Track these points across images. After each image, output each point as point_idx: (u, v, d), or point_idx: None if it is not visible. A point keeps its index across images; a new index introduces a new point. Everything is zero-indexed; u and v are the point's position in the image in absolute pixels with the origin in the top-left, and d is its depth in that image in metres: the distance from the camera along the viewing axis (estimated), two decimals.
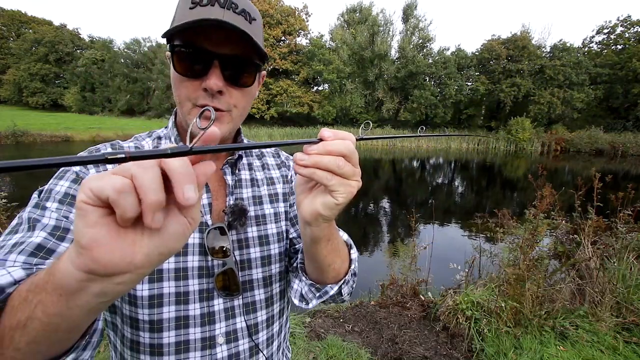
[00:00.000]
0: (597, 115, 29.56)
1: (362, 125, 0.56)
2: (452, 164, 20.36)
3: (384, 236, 7.00)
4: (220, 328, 0.65)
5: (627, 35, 29.86)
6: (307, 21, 38.32)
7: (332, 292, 0.66)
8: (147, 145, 0.71)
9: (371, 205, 9.97)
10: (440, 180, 15.14)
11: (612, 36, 31.06)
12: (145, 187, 0.28)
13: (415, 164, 20.75)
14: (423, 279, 3.53)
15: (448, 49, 32.08)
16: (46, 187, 0.59)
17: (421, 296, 3.39)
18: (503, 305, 2.66)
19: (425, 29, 33.16)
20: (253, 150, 0.81)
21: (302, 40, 37.16)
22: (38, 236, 0.51)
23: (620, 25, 30.38)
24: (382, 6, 63.64)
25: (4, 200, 3.67)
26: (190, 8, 0.57)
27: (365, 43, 32.05)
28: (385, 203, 10.30)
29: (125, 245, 0.30)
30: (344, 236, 0.71)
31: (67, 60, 42.76)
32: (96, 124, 31.21)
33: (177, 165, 0.30)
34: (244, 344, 0.68)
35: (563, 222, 3.27)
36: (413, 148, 26.60)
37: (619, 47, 30.01)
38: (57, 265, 0.33)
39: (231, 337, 0.67)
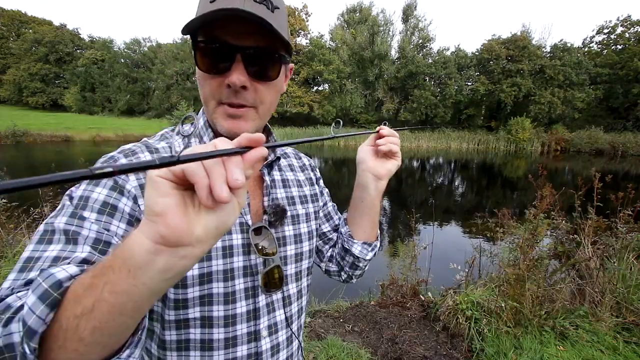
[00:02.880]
0: (597, 115, 29.55)
1: (333, 123, 0.70)
2: (452, 164, 20.36)
3: (384, 236, 7.00)
4: (264, 322, 0.69)
5: (627, 35, 29.85)
6: (307, 21, 38.33)
7: (377, 247, 0.87)
8: (178, 144, 0.69)
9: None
10: (440, 180, 15.14)
11: (612, 36, 31.06)
12: (212, 164, 0.33)
13: (415, 164, 20.75)
14: (423, 279, 3.53)
15: (448, 49, 32.11)
16: (79, 192, 0.55)
17: (421, 296, 3.39)
18: (503, 305, 2.66)
19: (425, 29, 33.18)
20: (277, 149, 0.80)
21: (302, 40, 37.18)
22: (83, 251, 0.49)
23: (621, 25, 30.38)
24: (382, 6, 63.63)
25: (4, 200, 3.67)
26: (211, 1, 0.55)
27: (365, 43, 32.05)
28: (385, 203, 10.30)
29: (189, 217, 0.33)
30: None
31: (67, 60, 42.76)
32: (96, 124, 31.20)
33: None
34: (282, 335, 0.73)
35: (563, 222, 3.27)
36: (413, 148, 26.59)
37: (619, 47, 30.01)
38: (126, 241, 0.35)
39: (273, 329, 0.70)
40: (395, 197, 11.01)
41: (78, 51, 44.29)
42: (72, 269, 0.41)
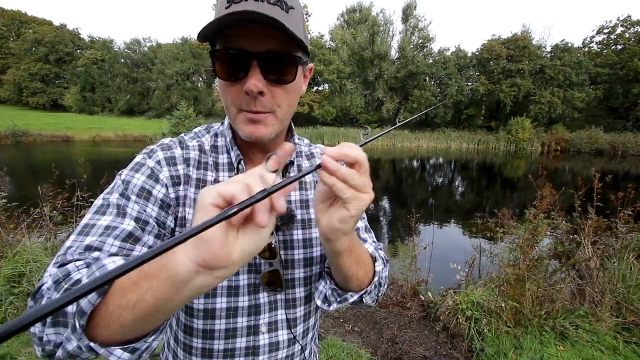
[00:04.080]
0: (597, 115, 29.56)
1: (361, 132, 0.57)
2: (452, 164, 20.36)
3: (384, 236, 6.99)
4: (264, 318, 0.71)
5: (627, 35, 29.85)
6: (307, 21, 38.32)
7: (351, 300, 0.70)
8: (207, 142, 0.73)
9: (371, 205, 9.96)
10: (440, 180, 15.14)
11: (612, 36, 31.06)
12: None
13: (415, 164, 20.75)
14: (423, 279, 3.53)
15: (448, 49, 32.11)
16: (123, 177, 0.63)
17: (421, 296, 3.39)
18: (503, 305, 2.66)
19: (425, 29, 33.19)
20: (303, 151, 0.82)
21: None
22: (129, 225, 0.57)
23: (621, 25, 30.38)
24: (382, 6, 63.62)
25: (4, 200, 3.67)
26: (226, 7, 0.55)
27: (365, 43, 32.06)
28: (385, 203, 10.30)
29: (229, 243, 0.37)
30: (370, 248, 0.74)
31: (67, 60, 42.74)
32: (96, 124, 31.20)
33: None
34: (283, 335, 0.73)
35: (563, 222, 3.27)
36: (413, 148, 26.59)
37: (619, 47, 30.00)
38: (172, 257, 0.38)
39: (272, 327, 0.72)
40: (395, 197, 11.01)
41: (78, 51, 44.26)
42: (120, 262, 0.46)
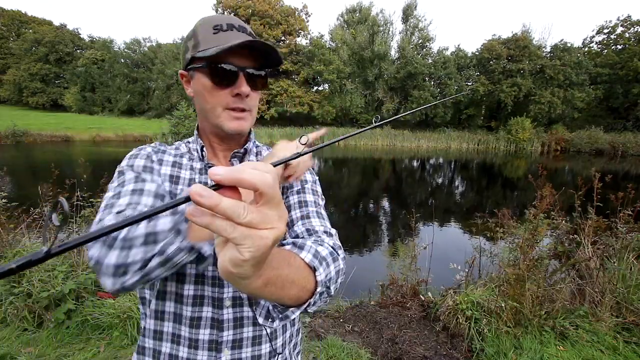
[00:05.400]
0: (597, 115, 29.56)
1: (301, 137, 0.57)
2: (452, 164, 20.36)
3: (384, 236, 7.00)
4: (228, 293, 0.76)
5: (627, 35, 29.85)
6: (307, 21, 38.32)
7: (293, 316, 0.62)
8: (183, 148, 0.90)
9: (371, 205, 9.97)
10: (440, 180, 15.14)
11: (612, 36, 31.06)
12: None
13: (415, 164, 20.75)
14: (423, 279, 3.52)
15: (447, 49, 32.10)
16: (124, 163, 0.79)
17: (421, 296, 3.39)
18: (503, 305, 2.66)
19: (425, 29, 33.18)
20: (254, 149, 0.94)
21: (302, 41, 37.20)
22: (151, 186, 0.73)
23: (621, 25, 30.38)
24: (381, 6, 63.61)
25: (4, 200, 3.67)
26: (214, 33, 0.74)
27: (365, 43, 32.05)
28: (385, 203, 10.30)
29: None
30: (307, 257, 0.61)
31: (67, 60, 42.73)
32: (96, 124, 31.19)
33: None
34: (248, 312, 0.77)
35: (563, 222, 3.27)
36: (413, 148, 26.59)
37: (619, 47, 30.00)
38: None
39: (237, 302, 0.76)
40: (395, 197, 11.01)
41: (78, 51, 44.25)
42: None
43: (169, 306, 0.75)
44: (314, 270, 0.61)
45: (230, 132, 0.79)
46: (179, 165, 0.84)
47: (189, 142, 0.90)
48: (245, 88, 0.75)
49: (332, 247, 0.68)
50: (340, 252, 0.70)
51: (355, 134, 0.70)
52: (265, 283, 0.45)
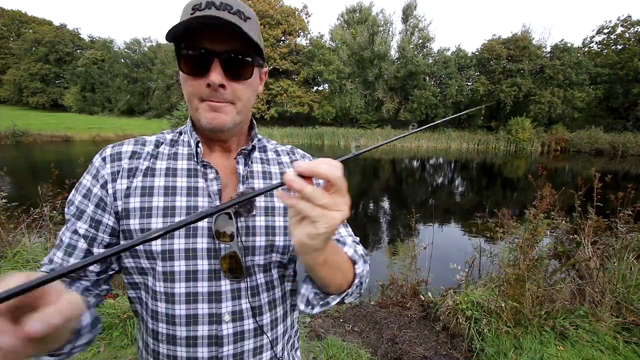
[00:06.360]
0: (597, 115, 29.54)
1: (353, 143, 0.60)
2: (452, 164, 20.36)
3: (384, 236, 7.00)
4: (227, 307, 0.70)
5: (627, 35, 29.83)
6: (308, 21, 38.32)
7: (333, 303, 0.70)
8: (169, 137, 0.79)
9: (371, 205, 9.97)
10: (440, 180, 15.14)
11: (612, 36, 31.02)
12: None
13: (415, 164, 20.75)
14: (423, 279, 3.53)
15: (448, 49, 32.08)
16: (81, 178, 0.74)
17: (421, 296, 3.39)
18: (503, 305, 2.66)
19: (425, 29, 33.15)
20: (269, 147, 0.86)
21: (302, 41, 37.18)
22: (83, 226, 0.71)
23: (621, 25, 30.36)
24: (381, 6, 63.64)
25: (4, 200, 3.67)
26: (191, 14, 0.63)
27: (365, 43, 32.03)
28: (385, 203, 10.30)
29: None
30: (349, 251, 0.71)
31: (67, 60, 42.75)
32: (96, 124, 31.20)
33: None
34: (248, 324, 0.73)
35: (563, 222, 3.27)
36: (413, 148, 26.59)
37: (619, 47, 29.98)
38: None
39: (237, 316, 0.71)
40: (396, 197, 11.01)
41: (78, 51, 44.26)
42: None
43: (162, 327, 0.70)
44: (354, 263, 0.70)
45: (205, 127, 0.69)
46: (156, 156, 0.74)
47: (180, 135, 0.80)
48: (215, 77, 0.64)
49: (364, 253, 0.78)
50: (367, 258, 0.79)
51: (399, 138, 0.76)
52: (324, 261, 0.57)
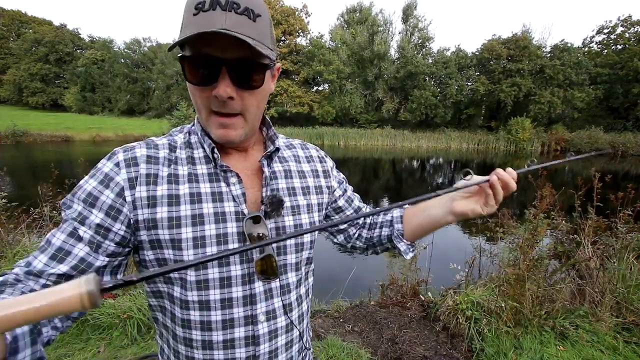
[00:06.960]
0: (597, 115, 29.53)
1: (528, 160, 0.87)
2: (452, 164, 20.37)
3: None
4: (261, 308, 0.72)
5: (627, 35, 29.82)
6: (307, 21, 38.33)
7: (414, 249, 0.95)
8: (180, 139, 0.74)
9: (371, 205, 9.96)
10: (440, 180, 15.14)
11: (612, 36, 31.01)
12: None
13: (415, 164, 20.75)
14: (423, 279, 3.52)
15: (448, 49, 32.07)
16: (81, 181, 0.68)
17: (421, 296, 3.39)
18: (503, 305, 2.66)
19: (425, 29, 33.15)
20: (282, 140, 0.86)
21: (302, 41, 37.18)
22: (86, 233, 0.66)
23: (621, 25, 30.35)
24: (381, 6, 63.63)
25: (4, 200, 3.67)
26: (194, 14, 0.58)
27: (365, 43, 32.03)
28: (385, 203, 10.30)
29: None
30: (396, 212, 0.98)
31: (67, 60, 42.76)
32: (96, 124, 31.20)
33: None
34: (281, 321, 0.75)
35: (563, 222, 3.27)
36: (413, 148, 26.59)
37: (619, 47, 29.97)
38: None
39: (271, 315, 0.73)
40: (396, 196, 11.01)
41: (78, 51, 44.28)
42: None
43: (196, 334, 0.69)
44: None
45: (218, 140, 0.68)
46: (176, 161, 0.70)
47: (189, 135, 0.75)
48: (223, 90, 0.60)
49: None
50: None
51: (551, 165, 0.98)
52: (445, 224, 0.86)
